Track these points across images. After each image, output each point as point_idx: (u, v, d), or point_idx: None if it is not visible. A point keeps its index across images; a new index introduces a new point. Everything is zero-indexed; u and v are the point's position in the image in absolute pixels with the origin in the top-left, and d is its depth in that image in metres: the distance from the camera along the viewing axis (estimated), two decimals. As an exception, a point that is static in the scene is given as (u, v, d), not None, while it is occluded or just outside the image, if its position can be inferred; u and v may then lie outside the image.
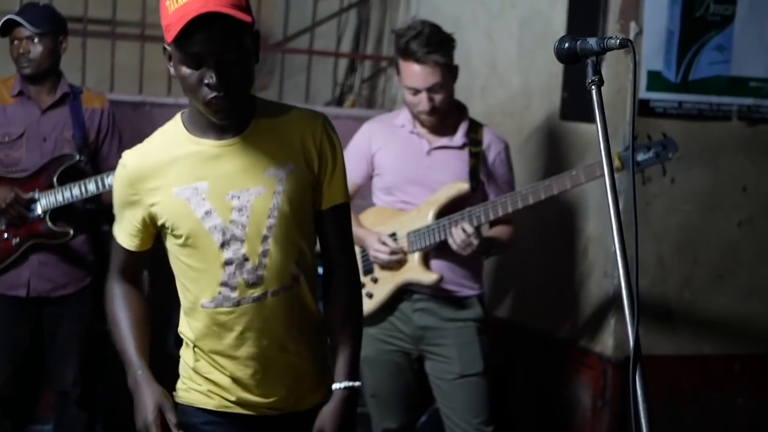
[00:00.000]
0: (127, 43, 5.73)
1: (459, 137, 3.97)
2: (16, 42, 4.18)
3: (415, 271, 3.92)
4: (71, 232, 4.22)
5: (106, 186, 4.06)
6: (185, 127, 2.48)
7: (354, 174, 3.96)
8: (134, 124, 5.12)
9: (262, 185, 2.44)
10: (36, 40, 4.16)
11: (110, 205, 3.83)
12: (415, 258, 3.92)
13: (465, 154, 3.96)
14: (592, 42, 2.13)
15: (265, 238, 2.45)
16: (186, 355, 2.61)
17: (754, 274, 4.50)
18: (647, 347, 4.26)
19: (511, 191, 3.95)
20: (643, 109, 4.23)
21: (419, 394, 4.13)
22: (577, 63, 2.21)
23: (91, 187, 4.11)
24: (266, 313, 2.48)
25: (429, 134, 3.98)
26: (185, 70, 2.32)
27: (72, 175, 4.18)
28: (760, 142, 4.43)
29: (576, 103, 4.44)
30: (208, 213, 2.43)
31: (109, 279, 2.65)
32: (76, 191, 4.12)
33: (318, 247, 2.62)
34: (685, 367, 4.39)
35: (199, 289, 2.48)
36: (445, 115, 3.93)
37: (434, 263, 3.94)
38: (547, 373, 4.66)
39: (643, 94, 4.23)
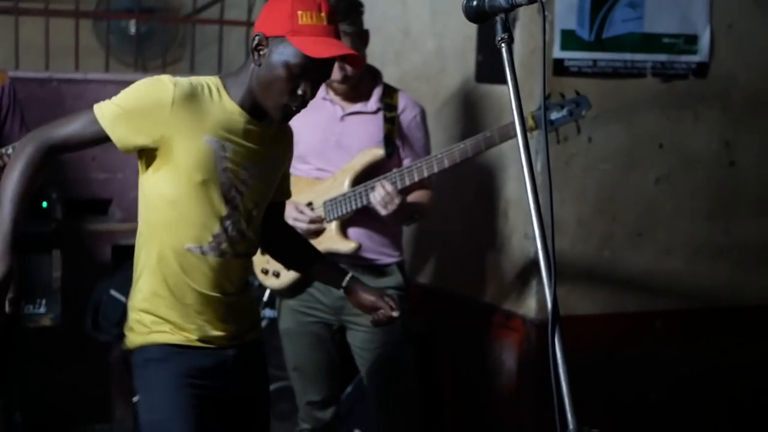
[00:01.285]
0: (32, 19, 5.57)
1: (373, 102, 3.91)
2: None
3: (333, 240, 3.86)
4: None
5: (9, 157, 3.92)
6: (228, 93, 2.70)
7: None
8: (42, 100, 4.99)
9: (264, 167, 2.80)
10: None
11: None
12: (332, 227, 3.86)
13: (379, 119, 3.91)
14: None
15: (250, 212, 2.80)
16: (147, 303, 2.80)
17: (673, 230, 4.50)
18: (569, 307, 4.32)
19: (426, 155, 3.90)
20: (557, 68, 4.20)
21: (342, 365, 4.07)
22: (486, 21, 2.16)
23: (-6, 157, 3.95)
24: (236, 265, 2.83)
25: (342, 100, 3.91)
26: (284, 73, 2.62)
27: (-27, 155, 4.02)
28: (674, 98, 4.42)
29: (491, 65, 4.39)
30: (225, 169, 2.71)
31: (33, 136, 2.69)
32: None
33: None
34: (608, 326, 4.39)
35: (189, 234, 2.73)
36: (358, 82, 3.86)
37: (352, 231, 3.88)
38: (471, 339, 4.63)
39: (557, 53, 4.20)
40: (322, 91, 3.89)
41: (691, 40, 4.44)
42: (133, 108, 2.63)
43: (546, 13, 4.15)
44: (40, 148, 2.65)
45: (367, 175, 3.83)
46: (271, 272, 3.95)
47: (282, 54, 2.60)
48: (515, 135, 3.66)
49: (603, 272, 4.38)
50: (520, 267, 4.33)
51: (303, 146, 3.90)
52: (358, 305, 3.06)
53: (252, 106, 2.71)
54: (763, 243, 4.65)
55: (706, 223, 4.56)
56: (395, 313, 2.99)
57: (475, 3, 2.12)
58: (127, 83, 4.75)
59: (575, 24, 4.21)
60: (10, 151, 3.88)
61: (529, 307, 4.31)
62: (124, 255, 4.99)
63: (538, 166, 4.14)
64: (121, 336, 2.95)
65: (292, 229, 3.25)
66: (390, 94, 3.96)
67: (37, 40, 5.47)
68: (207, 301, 2.79)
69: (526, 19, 4.20)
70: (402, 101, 3.95)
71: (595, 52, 4.27)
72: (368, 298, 3.03)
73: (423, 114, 4.00)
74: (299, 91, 2.64)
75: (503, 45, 2.08)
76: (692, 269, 4.55)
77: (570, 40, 4.21)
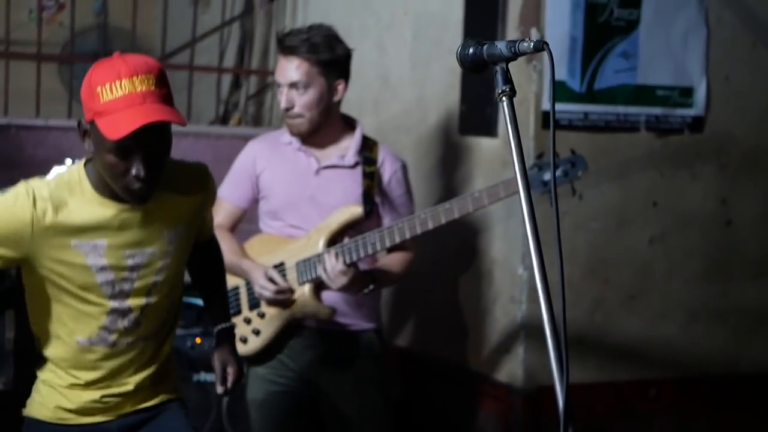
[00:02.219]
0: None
1: (351, 155, 3.66)
2: None
3: (305, 305, 3.59)
4: None
5: None
6: (91, 184, 2.54)
7: (238, 197, 3.73)
8: (0, 147, 4.73)
9: (156, 245, 2.62)
10: None
11: None
12: (305, 290, 3.59)
13: (358, 173, 3.65)
14: (501, 46, 1.84)
15: (149, 293, 2.65)
16: (46, 374, 2.74)
17: (668, 293, 4.32)
18: (558, 375, 4.08)
19: (408, 214, 3.65)
20: (546, 121, 3.99)
21: (315, 437, 3.79)
22: (483, 71, 1.92)
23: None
24: (135, 352, 2.72)
25: (318, 152, 3.66)
26: (111, 158, 2.42)
27: None
28: (669, 154, 4.24)
29: (475, 116, 4.18)
30: (102, 269, 2.57)
31: None
32: None
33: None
34: (600, 395, 4.18)
35: (77, 327, 2.64)
36: (317, 127, 3.59)
37: (327, 295, 3.62)
38: (452, 406, 4.41)
39: (547, 105, 3.98)
40: (297, 141, 3.64)
41: (687, 92, 4.25)
42: None
43: (534, 61, 3.93)
44: None
45: (344, 234, 3.57)
46: (238, 337, 3.67)
47: (97, 140, 2.43)
48: (505, 196, 3.50)
49: (594, 338, 4.17)
50: (505, 332, 4.10)
51: (275, 201, 3.66)
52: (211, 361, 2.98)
53: (113, 192, 2.53)
54: (761, 306, 4.48)
55: (702, 286, 4.38)
56: (219, 390, 2.92)
57: (471, 50, 1.88)
58: (74, 130, 4.44)
59: (566, 74, 4.00)
60: None
61: (515, 375, 4.09)
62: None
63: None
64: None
65: (214, 261, 3.06)
66: (369, 146, 3.70)
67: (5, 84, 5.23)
68: (98, 388, 2.72)
69: (513, 69, 3.94)
70: (381, 154, 3.70)
71: (586, 104, 4.06)
72: (215, 362, 2.94)
73: (404, 168, 3.75)
74: (133, 172, 2.43)
75: (504, 98, 1.83)
76: (688, 335, 4.36)
77: (560, 91, 4.00)
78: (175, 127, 5.09)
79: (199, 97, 5.74)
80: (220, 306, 3.01)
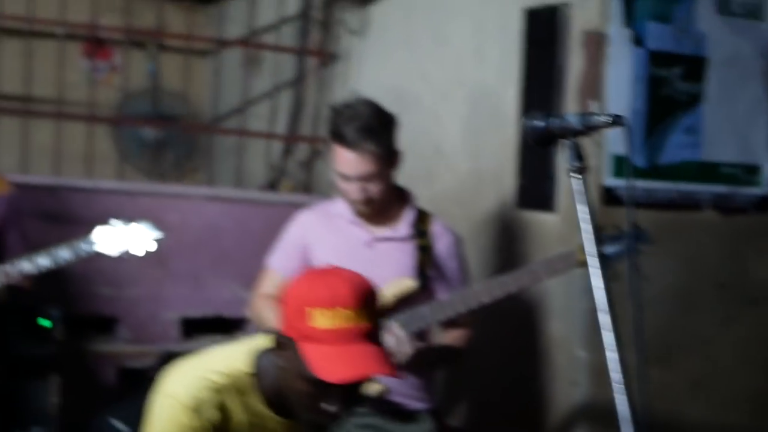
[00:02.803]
0: (42, 122, 5.30)
1: (403, 227, 3.55)
2: None
3: (356, 382, 3.45)
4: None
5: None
6: (262, 395, 2.30)
7: (287, 269, 3.60)
8: (49, 208, 4.69)
9: None
10: None
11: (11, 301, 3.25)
12: (357, 366, 3.45)
13: (411, 246, 3.54)
14: (572, 119, 1.72)
15: None
16: None
17: (735, 379, 4.12)
18: (618, 462, 3.89)
19: (463, 290, 3.52)
20: (607, 197, 3.84)
21: None
22: (549, 145, 1.80)
23: (-9, 281, 3.62)
24: None
25: (370, 224, 3.55)
26: (307, 388, 2.16)
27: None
28: (735, 234, 4.07)
29: (534, 190, 4.04)
30: None
31: None
32: None
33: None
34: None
35: None
36: (383, 205, 3.50)
37: (381, 372, 3.47)
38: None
39: (608, 180, 3.84)
40: (348, 213, 3.54)
41: (752, 170, 4.12)
42: None
43: (594, 134, 3.80)
44: None
45: (397, 308, 3.44)
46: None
47: (296, 362, 2.14)
48: (564, 270, 3.36)
49: (657, 426, 3.94)
50: (564, 416, 3.93)
51: (325, 274, 3.54)
52: None
53: (283, 404, 2.28)
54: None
55: (771, 373, 4.19)
56: None
57: (539, 123, 1.76)
58: (138, 194, 4.38)
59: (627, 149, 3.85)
60: (13, 267, 3.58)
61: (573, 461, 3.90)
62: (131, 380, 4.65)
63: (585, 304, 3.75)
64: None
65: None
66: (422, 218, 3.60)
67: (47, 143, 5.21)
68: None
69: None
70: (435, 227, 3.59)
71: (649, 181, 3.91)
72: None
73: (459, 242, 3.64)
74: (325, 407, 2.16)
75: (575, 174, 1.71)
76: (756, 424, 4.15)
77: (622, 167, 3.85)
78: (226, 192, 5.04)
79: (250, 162, 5.67)
80: None
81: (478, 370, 4.32)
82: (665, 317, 3.98)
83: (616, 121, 1.68)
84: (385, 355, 2.14)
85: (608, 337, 1.68)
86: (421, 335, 3.43)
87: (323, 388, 2.10)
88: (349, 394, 2.15)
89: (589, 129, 1.73)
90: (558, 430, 3.98)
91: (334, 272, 2.17)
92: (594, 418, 3.85)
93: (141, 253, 3.71)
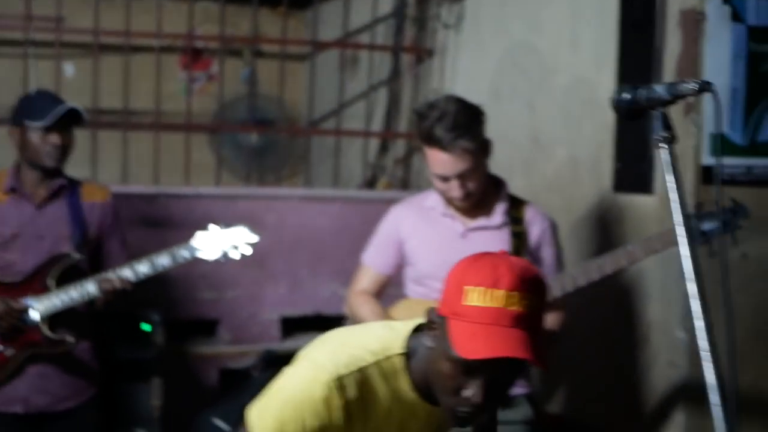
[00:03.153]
0: (141, 134, 5.39)
1: (497, 216, 3.53)
2: (35, 132, 3.76)
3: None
4: (72, 339, 3.79)
5: (89, 294, 3.67)
6: (416, 386, 2.17)
7: (382, 265, 3.66)
8: (149, 216, 4.76)
9: None
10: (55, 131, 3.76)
11: (114, 307, 3.32)
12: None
13: (505, 234, 3.52)
14: (659, 89, 1.69)
15: None
16: None
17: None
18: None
19: (559, 272, 3.49)
20: (706, 176, 3.76)
21: None
22: (639, 117, 1.77)
23: (91, 288, 3.68)
24: None
25: (464, 215, 3.53)
26: (449, 369, 2.03)
27: (71, 276, 3.75)
28: (840, 209, 3.93)
29: (630, 173, 3.98)
30: None
31: None
32: (74, 294, 3.70)
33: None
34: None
35: None
36: (482, 196, 3.48)
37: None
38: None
39: (706, 159, 3.76)
40: (441, 206, 3.54)
41: None
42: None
43: (692, 113, 3.74)
44: None
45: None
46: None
47: (442, 340, 2.04)
48: (662, 249, 3.30)
49: (761, 408, 3.86)
50: (663, 398, 3.86)
51: (421, 267, 3.56)
52: None
53: (430, 394, 2.14)
54: None
55: None
56: None
57: (627, 95, 1.73)
58: (236, 197, 4.42)
59: (727, 126, 3.78)
60: (114, 275, 3.64)
61: (676, 444, 3.83)
62: (233, 380, 4.71)
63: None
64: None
65: None
66: (516, 206, 3.57)
67: (146, 154, 5.29)
68: None
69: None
70: (529, 214, 3.57)
71: (749, 158, 3.82)
72: None
73: (553, 227, 3.60)
74: (467, 393, 2.02)
75: (664, 145, 1.68)
76: None
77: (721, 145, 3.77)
78: (323, 192, 5.02)
79: (347, 162, 5.69)
80: None
81: (576, 355, 4.28)
82: (766, 296, 3.88)
83: (704, 87, 1.64)
84: (539, 346, 1.99)
85: (695, 306, 1.63)
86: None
87: (466, 371, 2.00)
88: (493, 384, 2.00)
89: (677, 97, 1.69)
90: (657, 413, 3.91)
91: (500, 255, 2.05)
92: (693, 400, 3.77)
93: (238, 257, 3.75)
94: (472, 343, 1.96)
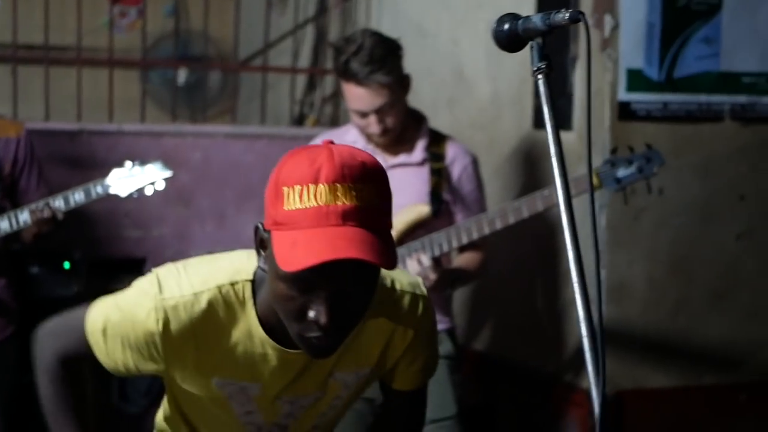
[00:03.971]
0: (63, 69, 5.30)
1: (418, 152, 3.52)
2: None
3: (372, 306, 3.45)
4: (-15, 276, 3.75)
5: (21, 223, 3.61)
6: (256, 312, 1.90)
7: None
8: (72, 153, 4.69)
9: (323, 390, 2.02)
10: None
11: (35, 244, 3.22)
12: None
13: (425, 171, 3.51)
14: (535, 19, 1.68)
15: (314, 428, 2.11)
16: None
17: (757, 292, 4.07)
18: (641, 379, 3.85)
19: (480, 211, 3.51)
20: (623, 112, 3.77)
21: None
22: (520, 48, 1.76)
23: (3, 224, 3.64)
24: None
25: (384, 152, 3.52)
26: (284, 289, 1.73)
27: (-16, 211, 3.71)
28: (757, 144, 3.99)
29: (551, 109, 3.97)
30: (249, 413, 2.03)
31: (48, 344, 2.11)
32: (4, 224, 3.65)
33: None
34: (685, 400, 3.95)
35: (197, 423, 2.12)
36: (401, 131, 3.47)
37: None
38: (530, 412, 4.22)
39: (623, 95, 3.77)
40: (361, 140, 3.52)
41: (775, 79, 4.00)
42: (121, 340, 1.96)
43: (609, 49, 3.74)
44: (58, 362, 2.08)
45: (412, 234, 3.44)
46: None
47: (271, 258, 1.74)
48: (576, 194, 3.31)
49: (678, 340, 3.94)
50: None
51: (339, 202, 3.52)
52: None
53: (283, 332, 1.86)
54: None
55: (794, 283, 4.10)
56: None
57: (506, 26, 1.72)
58: (162, 134, 4.37)
59: (642, 62, 3.78)
60: (23, 215, 3.59)
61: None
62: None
63: (603, 222, 3.71)
64: (150, 406, 2.60)
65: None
66: (437, 142, 3.56)
67: (68, 91, 5.20)
68: None
69: (585, 57, 3.78)
70: (451, 150, 3.55)
71: (665, 94, 3.83)
72: None
73: (475, 163, 3.59)
74: (310, 315, 1.73)
75: (540, 76, 1.67)
76: (781, 336, 4.09)
77: (637, 80, 3.78)
78: (249, 129, 4.95)
79: (276, 100, 5.64)
80: None
81: (498, 293, 4.31)
82: (684, 231, 3.92)
83: (576, 17, 1.63)
84: (384, 244, 1.70)
85: (573, 252, 1.62)
86: (437, 260, 3.42)
87: (302, 289, 1.71)
88: (337, 298, 1.71)
89: (552, 28, 1.68)
90: (578, 348, 3.96)
91: (324, 146, 1.74)
92: (611, 336, 3.82)
93: (151, 193, 3.72)
94: (292, 253, 1.66)
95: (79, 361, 2.06)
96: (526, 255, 4.18)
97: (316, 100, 5.59)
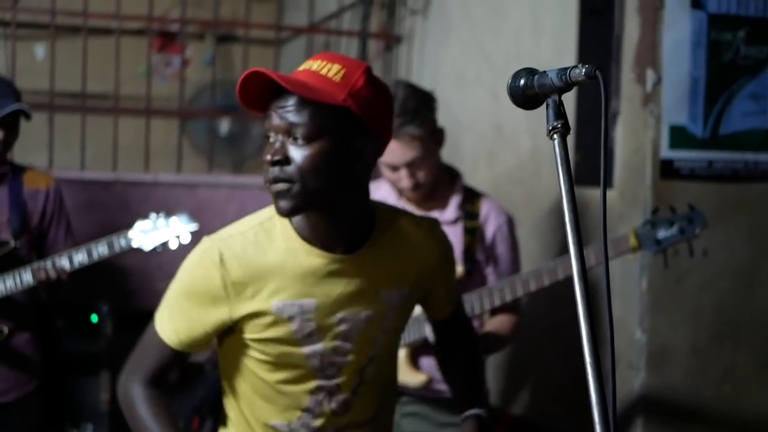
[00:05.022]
0: (101, 119, 5.28)
1: (451, 210, 3.40)
2: None
3: (400, 371, 3.32)
4: (5, 329, 3.66)
5: (24, 284, 3.57)
6: (296, 230, 2.14)
7: None
8: (105, 203, 4.64)
9: (374, 309, 2.20)
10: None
11: (56, 299, 3.13)
12: (400, 355, 3.32)
13: (458, 229, 3.39)
14: (551, 75, 1.56)
15: (362, 370, 2.24)
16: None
17: (808, 361, 3.84)
18: (684, 451, 3.68)
19: (514, 272, 3.38)
20: (665, 170, 3.61)
21: None
22: (537, 106, 1.64)
23: (27, 277, 3.56)
24: None
25: (416, 208, 3.40)
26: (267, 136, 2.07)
27: (8, 264, 3.63)
28: (806, 205, 3.79)
29: (592, 166, 3.84)
30: (310, 336, 2.17)
31: (128, 379, 2.27)
32: (9, 282, 3.57)
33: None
34: (731, 474, 3.74)
35: (273, 409, 2.25)
36: (434, 187, 3.35)
37: (425, 361, 3.36)
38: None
39: (666, 152, 3.61)
40: (393, 197, 3.41)
41: (824, 137, 3.83)
42: (181, 295, 2.22)
43: (651, 105, 3.60)
44: (136, 385, 2.26)
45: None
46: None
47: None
48: (615, 255, 3.18)
49: (723, 410, 3.74)
50: (622, 400, 3.72)
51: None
52: None
53: (320, 234, 2.13)
54: None
55: None
56: None
57: (521, 82, 1.60)
58: (197, 185, 4.30)
59: (686, 119, 3.63)
60: (50, 264, 3.51)
61: (634, 448, 3.69)
62: (185, 374, 4.58)
63: (644, 284, 3.55)
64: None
65: (463, 343, 2.55)
66: (472, 200, 3.43)
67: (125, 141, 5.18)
68: None
69: (628, 113, 3.65)
70: (485, 208, 3.43)
71: (710, 152, 3.67)
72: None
73: (510, 223, 3.46)
74: (265, 156, 2.08)
75: (556, 136, 1.54)
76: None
77: (680, 137, 3.63)
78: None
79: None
80: (470, 391, 2.50)
81: (536, 356, 4.15)
82: (730, 295, 3.74)
83: (592, 73, 1.51)
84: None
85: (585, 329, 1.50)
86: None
87: (267, 129, 2.10)
88: (275, 138, 2.05)
89: (568, 84, 1.56)
90: (618, 414, 3.79)
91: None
92: (652, 403, 3.65)
93: (176, 246, 3.63)
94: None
95: (164, 372, 2.24)
96: (563, 318, 4.02)
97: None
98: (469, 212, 3.41)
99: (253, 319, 2.14)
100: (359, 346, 2.21)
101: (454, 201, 3.41)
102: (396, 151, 3.24)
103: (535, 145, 4.23)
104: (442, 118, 3.40)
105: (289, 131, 2.00)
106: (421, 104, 3.28)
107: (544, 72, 1.58)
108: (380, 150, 2.11)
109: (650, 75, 3.61)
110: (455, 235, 3.37)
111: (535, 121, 4.22)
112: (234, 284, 2.11)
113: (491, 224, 3.42)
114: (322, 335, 2.17)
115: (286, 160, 2.00)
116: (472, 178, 3.76)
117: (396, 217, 2.25)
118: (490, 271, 3.41)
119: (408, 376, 3.33)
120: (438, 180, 3.38)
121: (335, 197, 2.06)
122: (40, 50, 6.12)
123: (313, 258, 2.12)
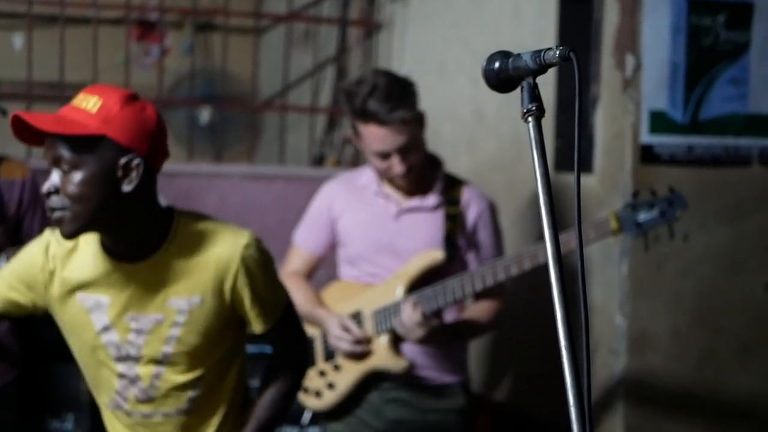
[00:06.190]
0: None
1: (432, 196, 3.40)
2: None
3: (382, 357, 3.35)
4: (-20, 318, 3.65)
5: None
6: (101, 242, 2.43)
7: (314, 245, 3.53)
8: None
9: (163, 313, 2.42)
10: None
11: None
12: (383, 341, 3.34)
13: (439, 216, 3.40)
14: (526, 58, 1.55)
15: (159, 363, 2.46)
16: None
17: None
18: (665, 435, 3.70)
19: (495, 258, 3.38)
20: (645, 155, 3.63)
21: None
22: (512, 88, 1.63)
23: (3, 264, 3.53)
24: (159, 429, 2.54)
25: (398, 195, 3.42)
26: None
27: (-13, 254, 3.61)
28: (786, 189, 3.81)
29: (571, 152, 3.85)
30: (106, 328, 2.44)
31: None
32: None
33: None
34: (711, 458, 3.77)
35: (97, 388, 2.57)
36: (421, 172, 3.35)
37: (406, 347, 3.37)
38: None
39: (645, 137, 3.63)
40: (374, 184, 3.41)
41: (805, 122, 3.85)
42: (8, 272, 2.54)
43: (630, 90, 3.60)
44: None
45: (424, 280, 3.33)
46: (311, 390, 3.44)
47: None
48: (596, 239, 3.19)
49: (703, 395, 3.77)
50: (604, 386, 3.75)
51: (352, 249, 3.44)
52: None
53: (108, 245, 2.44)
54: None
55: (826, 336, 3.91)
56: None
57: (496, 65, 1.60)
58: (177, 174, 4.29)
59: (666, 104, 3.64)
60: (2, 261, 3.49)
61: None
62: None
63: (624, 269, 3.56)
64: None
65: (273, 377, 2.63)
66: (453, 186, 3.44)
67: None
68: None
69: (608, 99, 3.65)
70: (466, 195, 3.44)
71: (690, 137, 3.69)
72: None
73: (492, 209, 3.47)
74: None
75: (530, 119, 1.54)
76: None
77: (660, 122, 3.64)
78: (266, 170, 4.88)
79: (296, 140, 5.55)
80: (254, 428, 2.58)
81: (515, 341, 4.17)
82: (710, 280, 3.76)
83: (566, 55, 1.50)
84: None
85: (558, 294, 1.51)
86: (437, 314, 3.32)
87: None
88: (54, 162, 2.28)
89: (543, 67, 1.55)
90: (597, 399, 3.81)
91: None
92: (633, 387, 3.67)
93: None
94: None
95: None
96: (543, 303, 4.03)
97: (336, 141, 5.48)
98: (451, 199, 3.42)
99: (64, 307, 2.46)
100: (151, 344, 2.43)
101: (436, 187, 3.42)
102: (386, 138, 3.24)
103: (515, 132, 4.23)
104: (423, 105, 3.41)
105: (57, 163, 2.24)
106: (405, 89, 3.30)
107: (519, 55, 1.58)
108: (155, 164, 2.32)
109: (630, 60, 3.62)
110: (436, 222, 3.38)
111: (515, 107, 4.21)
112: (52, 275, 2.44)
113: (472, 210, 3.43)
114: (116, 328, 2.43)
115: (56, 191, 2.25)
116: (454, 165, 3.76)
117: (200, 229, 2.41)
118: (471, 257, 3.42)
119: (390, 361, 3.34)
120: (423, 167, 3.39)
121: (108, 216, 2.28)
122: (17, 40, 6.07)
123: (106, 263, 2.39)
